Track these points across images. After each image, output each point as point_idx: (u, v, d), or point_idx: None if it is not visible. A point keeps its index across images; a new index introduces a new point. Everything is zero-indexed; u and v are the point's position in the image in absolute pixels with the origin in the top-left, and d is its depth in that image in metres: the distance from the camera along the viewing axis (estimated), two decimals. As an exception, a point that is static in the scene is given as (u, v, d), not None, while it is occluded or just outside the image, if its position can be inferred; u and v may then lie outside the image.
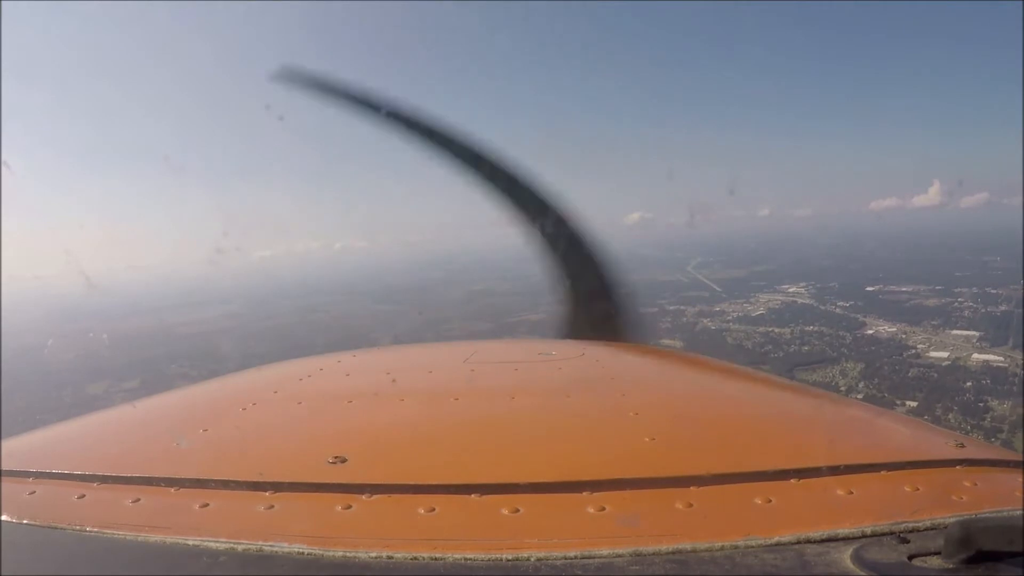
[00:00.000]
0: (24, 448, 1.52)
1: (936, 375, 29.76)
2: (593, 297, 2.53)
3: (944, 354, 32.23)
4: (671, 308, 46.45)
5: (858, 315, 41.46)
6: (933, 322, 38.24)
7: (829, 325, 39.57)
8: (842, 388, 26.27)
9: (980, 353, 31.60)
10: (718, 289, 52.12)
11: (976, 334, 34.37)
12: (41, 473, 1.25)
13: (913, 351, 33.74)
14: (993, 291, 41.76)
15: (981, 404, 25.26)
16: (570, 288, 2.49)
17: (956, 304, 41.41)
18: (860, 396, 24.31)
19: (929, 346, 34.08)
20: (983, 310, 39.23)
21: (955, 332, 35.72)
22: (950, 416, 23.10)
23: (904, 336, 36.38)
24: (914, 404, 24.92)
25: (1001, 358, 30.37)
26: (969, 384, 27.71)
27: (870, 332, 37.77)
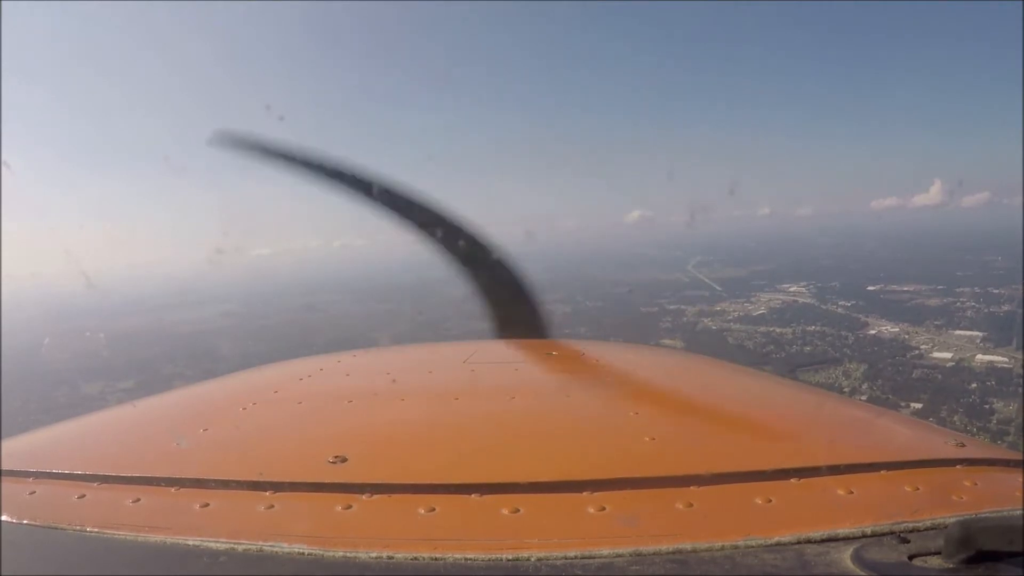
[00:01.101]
0: (24, 448, 1.51)
1: (940, 376, 29.53)
2: (507, 299, 2.62)
3: (948, 355, 32.00)
4: (671, 307, 46.30)
5: (860, 315, 41.23)
6: (936, 322, 38.04)
7: (831, 325, 39.32)
8: (846, 389, 26.04)
9: (984, 354, 31.40)
10: (718, 288, 51.93)
11: (979, 334, 34.18)
12: (41, 473, 1.24)
13: (916, 352, 33.51)
14: (995, 291, 41.59)
15: (987, 406, 25.01)
16: (483, 294, 2.60)
17: (958, 304, 41.22)
18: (864, 398, 24.10)
19: (932, 347, 33.87)
20: (985, 310, 39.04)
21: (958, 332, 35.52)
22: (955, 418, 22.81)
23: (907, 336, 36.15)
24: (919, 406, 24.62)
25: (1005, 359, 30.12)
26: (974, 386, 27.48)
27: (872, 332, 37.54)
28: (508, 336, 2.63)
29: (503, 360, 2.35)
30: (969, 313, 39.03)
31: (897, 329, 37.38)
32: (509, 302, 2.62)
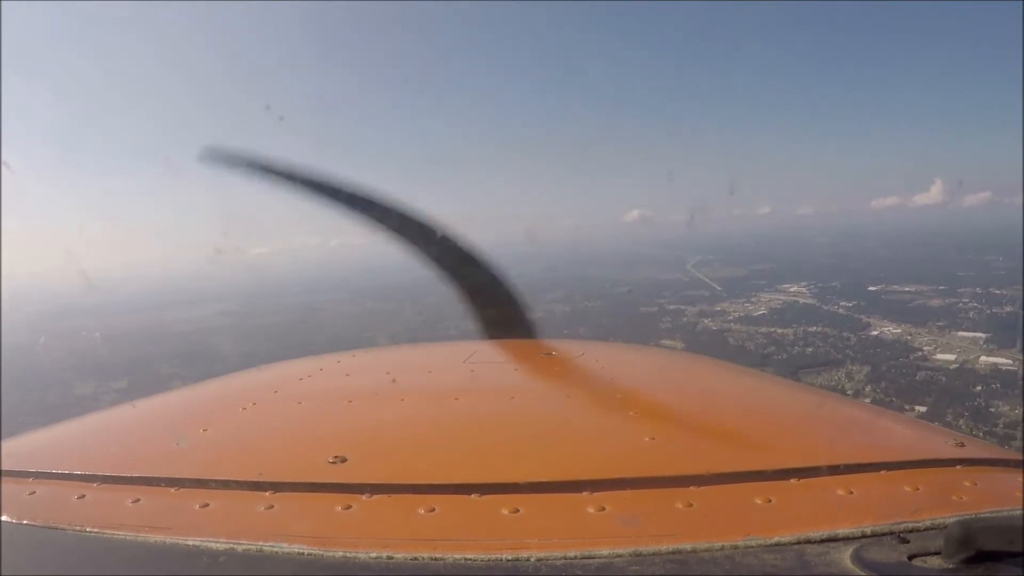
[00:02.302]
0: (24, 448, 1.51)
1: (944, 378, 29.24)
2: (493, 302, 2.67)
3: (951, 356, 31.73)
4: (671, 307, 46.09)
5: (861, 316, 41.02)
6: (938, 323, 37.81)
7: (832, 326, 39.07)
8: (849, 392, 25.77)
9: (988, 356, 31.15)
10: (718, 288, 51.72)
11: (983, 336, 33.94)
12: (41, 473, 1.24)
13: (919, 353, 33.26)
14: (997, 291, 41.41)
15: (992, 410, 24.74)
16: (471, 298, 2.64)
17: (960, 305, 41.03)
18: (868, 400, 23.76)
19: (935, 348, 33.61)
20: (988, 311, 38.85)
21: (961, 334, 35.27)
22: (961, 422, 22.44)
23: (909, 338, 35.89)
24: (923, 409, 24.39)
25: (1010, 361, 29.83)
26: (979, 388, 27.19)
27: (874, 333, 37.27)
28: (496, 337, 2.65)
29: (503, 360, 2.35)
30: (971, 314, 38.84)
31: (899, 330, 37.13)
32: (494, 304, 2.64)
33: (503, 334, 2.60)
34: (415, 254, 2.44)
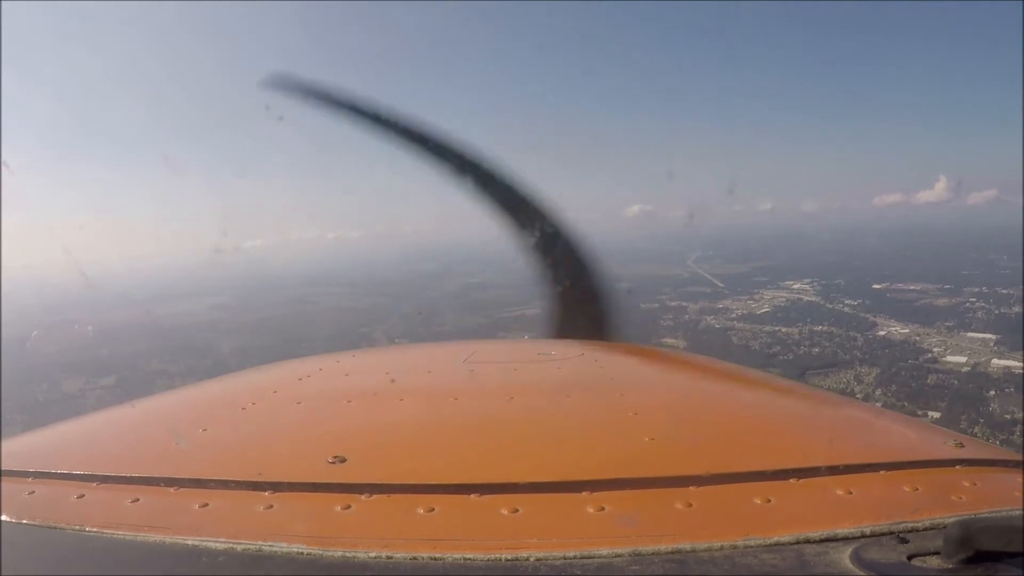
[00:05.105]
0: (24, 448, 1.52)
1: (956, 382, 28.56)
2: (584, 300, 2.57)
3: (962, 359, 31.01)
4: (672, 304, 45.39)
5: (868, 315, 40.28)
6: (946, 323, 37.11)
7: (839, 325, 38.36)
8: (858, 395, 25.05)
9: (1000, 359, 30.40)
10: (720, 285, 50.99)
11: (993, 337, 33.27)
12: (41, 473, 1.24)
13: (929, 355, 32.53)
14: (1004, 291, 40.71)
15: (1007, 416, 24.01)
16: (561, 292, 2.54)
17: (968, 304, 40.35)
18: (879, 404, 23.10)
19: (945, 349, 32.91)
20: (996, 311, 38.18)
21: (971, 335, 34.60)
22: (976, 429, 21.75)
23: (918, 338, 35.18)
24: (937, 415, 23.68)
25: (1021, 364, 28.97)
26: (992, 393, 26.48)
27: (882, 333, 36.55)
28: (568, 335, 2.54)
29: (502, 360, 2.35)
30: (980, 314, 38.16)
31: (907, 331, 36.40)
32: (579, 299, 2.51)
33: (579, 333, 2.49)
34: (515, 235, 2.24)
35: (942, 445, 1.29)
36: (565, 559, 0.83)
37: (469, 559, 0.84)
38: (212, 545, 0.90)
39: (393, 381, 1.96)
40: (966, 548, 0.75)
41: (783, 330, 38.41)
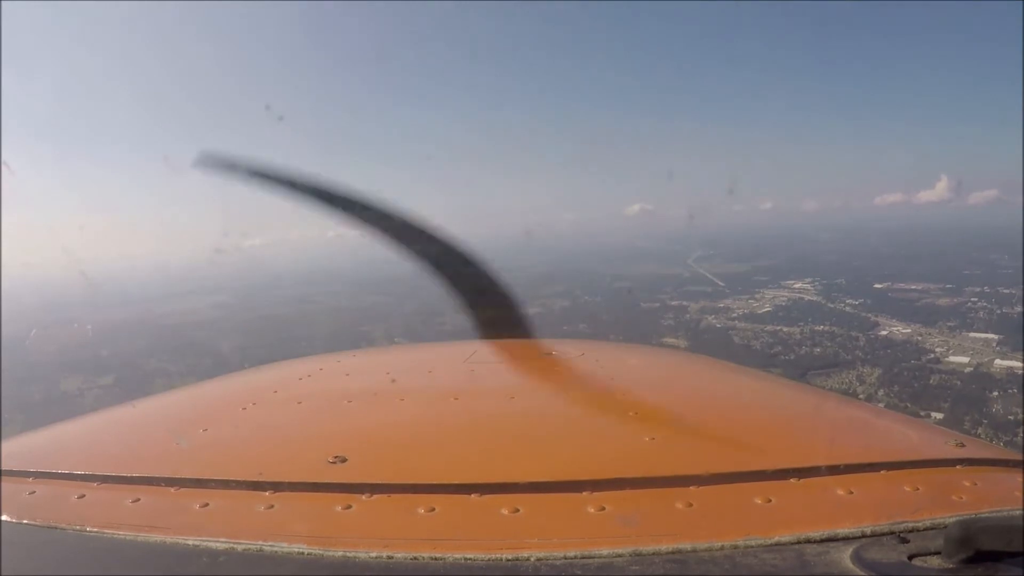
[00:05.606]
0: (24, 448, 1.52)
1: (959, 383, 28.41)
2: (486, 301, 2.57)
3: (965, 359, 30.85)
4: (673, 303, 45.31)
5: (869, 314, 40.13)
6: (948, 323, 36.97)
7: (840, 325, 38.23)
8: (861, 396, 24.95)
9: (1002, 359, 30.24)
10: (721, 284, 50.89)
11: (995, 337, 33.11)
12: (41, 473, 1.24)
13: (931, 355, 32.38)
14: (1005, 291, 40.59)
15: (1011, 417, 23.87)
16: (463, 297, 2.53)
17: (969, 304, 40.22)
18: (882, 405, 22.98)
19: (948, 350, 32.78)
20: (998, 311, 38.06)
21: (973, 335, 34.45)
22: (979, 430, 21.61)
23: (920, 338, 35.02)
24: (940, 416, 23.56)
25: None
26: (995, 394, 26.32)
27: (884, 333, 36.40)
28: (491, 336, 2.59)
29: (503, 360, 2.34)
30: (981, 314, 38.02)
31: (909, 330, 36.26)
32: (487, 303, 2.56)
33: (498, 333, 2.55)
34: (408, 254, 2.37)
35: (943, 445, 1.29)
36: (566, 559, 0.82)
37: (470, 559, 0.84)
38: (213, 545, 0.89)
39: (394, 381, 1.96)
40: (967, 548, 0.75)
41: (784, 330, 38.30)
